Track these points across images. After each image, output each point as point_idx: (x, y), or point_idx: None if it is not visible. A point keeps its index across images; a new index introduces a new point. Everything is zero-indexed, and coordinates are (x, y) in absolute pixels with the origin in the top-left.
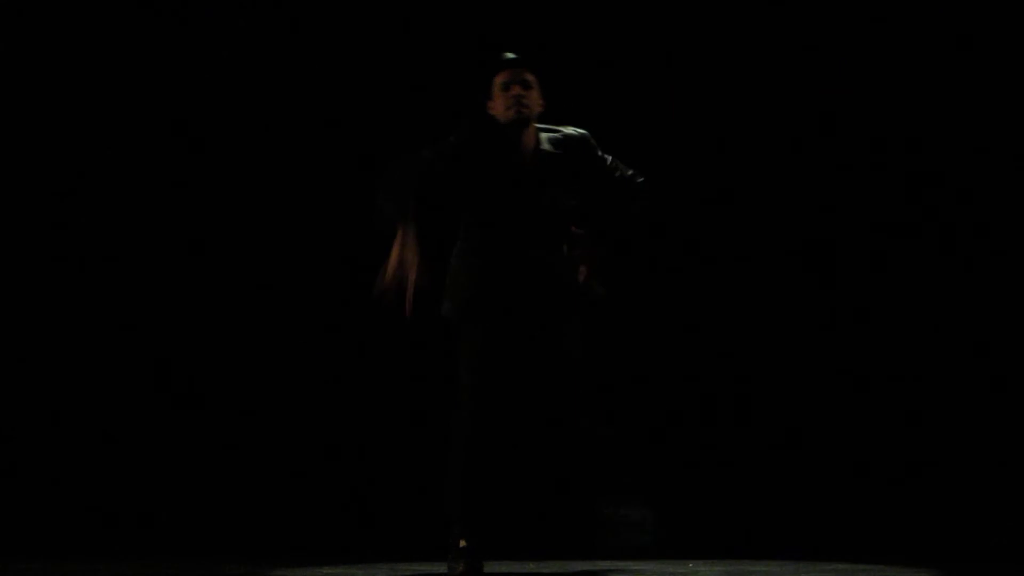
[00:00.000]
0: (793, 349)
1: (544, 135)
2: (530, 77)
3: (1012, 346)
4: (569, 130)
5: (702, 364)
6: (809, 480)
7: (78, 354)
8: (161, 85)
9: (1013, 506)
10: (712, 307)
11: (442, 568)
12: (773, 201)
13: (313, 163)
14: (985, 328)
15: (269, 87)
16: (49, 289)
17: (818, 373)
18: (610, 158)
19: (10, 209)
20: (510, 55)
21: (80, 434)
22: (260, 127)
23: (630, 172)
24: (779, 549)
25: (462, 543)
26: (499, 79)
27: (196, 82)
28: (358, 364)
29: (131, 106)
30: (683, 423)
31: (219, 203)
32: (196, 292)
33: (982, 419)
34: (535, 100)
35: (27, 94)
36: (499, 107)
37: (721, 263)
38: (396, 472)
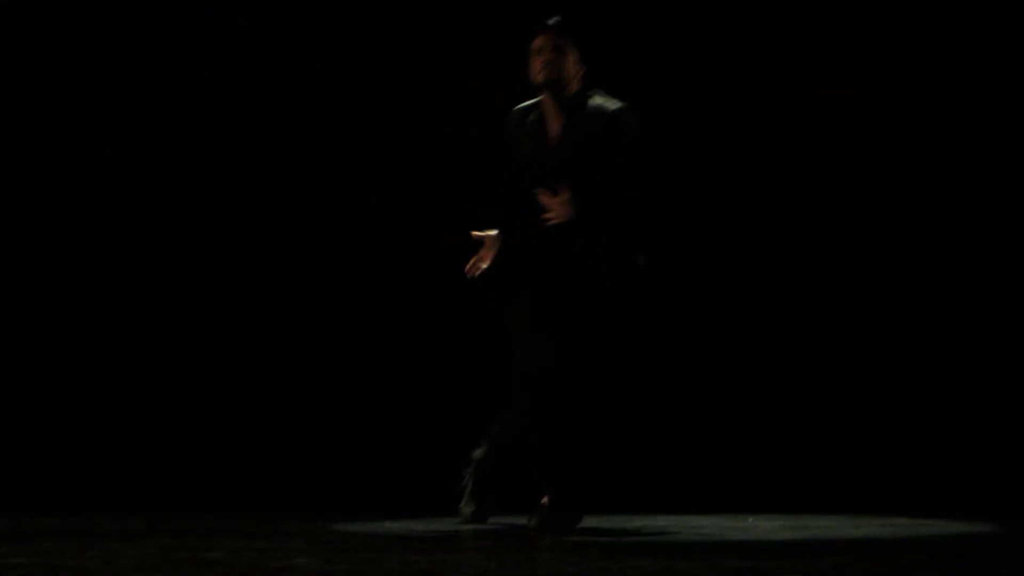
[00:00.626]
0: (849, 311)
1: (587, 104)
2: (563, 42)
3: None
4: (610, 104)
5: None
6: (867, 436)
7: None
8: (160, 84)
9: None
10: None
11: (502, 522)
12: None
13: (313, 161)
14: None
15: (269, 87)
16: (96, 260)
17: (877, 327)
18: (634, 139)
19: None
20: (550, 21)
21: (143, 393)
22: (260, 127)
23: (631, 158)
24: (838, 504)
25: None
26: (533, 45)
27: (195, 81)
28: (414, 326)
29: (130, 105)
30: (741, 381)
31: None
32: (252, 261)
33: None
34: (565, 65)
35: (22, 93)
36: (531, 72)
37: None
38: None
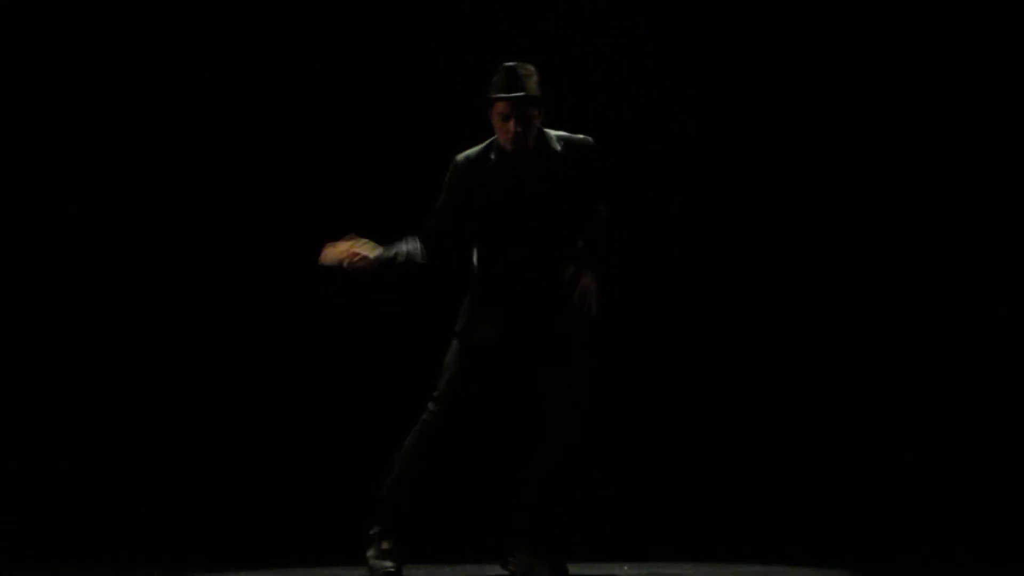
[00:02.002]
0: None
1: (549, 138)
2: (531, 112)
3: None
4: (575, 137)
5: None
6: (724, 482)
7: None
8: (159, 84)
9: (927, 509)
10: None
11: (360, 571)
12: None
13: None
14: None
15: (269, 87)
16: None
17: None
18: (602, 176)
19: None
20: (508, 91)
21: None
22: (259, 127)
23: (599, 202)
24: (696, 552)
25: (385, 544)
26: (499, 108)
27: (195, 81)
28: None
29: (129, 104)
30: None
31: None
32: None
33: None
34: (533, 130)
35: (21, 93)
36: (499, 134)
37: None
38: (309, 477)
